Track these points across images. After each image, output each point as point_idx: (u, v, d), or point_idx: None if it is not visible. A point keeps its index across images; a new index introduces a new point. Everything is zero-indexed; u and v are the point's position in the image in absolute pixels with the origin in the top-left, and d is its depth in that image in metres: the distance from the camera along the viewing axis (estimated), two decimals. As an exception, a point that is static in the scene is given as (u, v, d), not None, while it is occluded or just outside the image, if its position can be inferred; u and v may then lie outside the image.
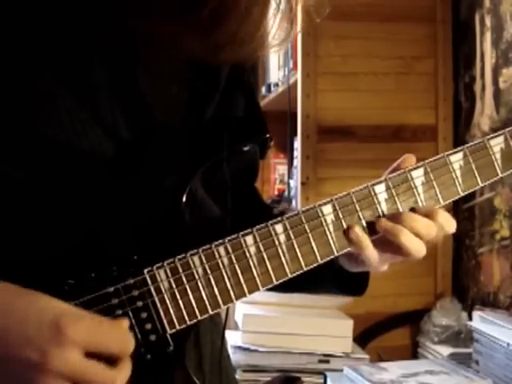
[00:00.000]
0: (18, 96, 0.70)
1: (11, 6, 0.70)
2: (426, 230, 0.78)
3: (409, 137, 1.94)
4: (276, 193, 2.75)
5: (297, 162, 2.06)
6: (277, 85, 2.45)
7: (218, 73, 0.81)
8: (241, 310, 1.75)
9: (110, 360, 0.64)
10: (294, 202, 2.12)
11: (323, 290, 0.93)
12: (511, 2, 1.73)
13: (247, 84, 0.85)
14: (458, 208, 1.91)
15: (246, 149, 0.77)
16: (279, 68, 2.47)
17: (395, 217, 0.78)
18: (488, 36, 1.83)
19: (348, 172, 1.90)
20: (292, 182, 2.26)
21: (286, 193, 2.41)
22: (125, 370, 0.65)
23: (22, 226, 0.69)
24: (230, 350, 1.68)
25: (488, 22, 1.83)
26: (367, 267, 0.82)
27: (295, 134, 2.03)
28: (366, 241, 0.77)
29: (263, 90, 2.65)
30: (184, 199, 0.72)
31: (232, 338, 1.73)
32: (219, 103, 0.80)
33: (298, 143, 1.99)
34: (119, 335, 0.65)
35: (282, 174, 2.77)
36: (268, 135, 0.77)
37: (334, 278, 0.86)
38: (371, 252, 0.78)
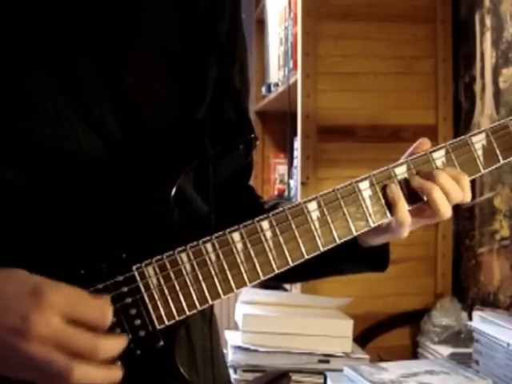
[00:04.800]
0: (6, 95, 0.70)
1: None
2: (455, 191, 0.81)
3: (409, 137, 1.94)
4: (276, 193, 2.75)
5: (297, 162, 2.06)
6: (277, 85, 2.45)
7: (205, 74, 0.82)
8: (241, 310, 1.75)
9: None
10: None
11: (345, 271, 0.95)
12: (511, 1, 1.73)
13: (233, 87, 0.86)
14: (457, 208, 1.91)
15: (230, 149, 0.78)
16: (279, 68, 2.47)
17: (428, 175, 0.81)
18: (488, 36, 1.83)
19: (348, 172, 1.90)
20: (292, 182, 2.26)
21: (286, 193, 2.41)
22: (110, 340, 0.66)
23: (11, 226, 0.70)
24: (230, 350, 1.68)
25: (488, 21, 1.83)
26: (393, 233, 0.83)
27: (295, 134, 2.03)
28: (401, 197, 0.80)
29: (263, 89, 2.65)
30: (172, 197, 0.73)
31: (232, 338, 1.73)
32: (210, 104, 0.81)
33: (297, 143, 1.99)
34: (98, 304, 0.66)
35: (281, 174, 2.77)
36: (253, 135, 0.78)
37: (355, 257, 0.88)
38: (404, 209, 0.80)
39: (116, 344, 0.67)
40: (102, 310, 0.66)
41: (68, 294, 0.65)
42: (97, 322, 0.65)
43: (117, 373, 0.66)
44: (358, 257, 0.87)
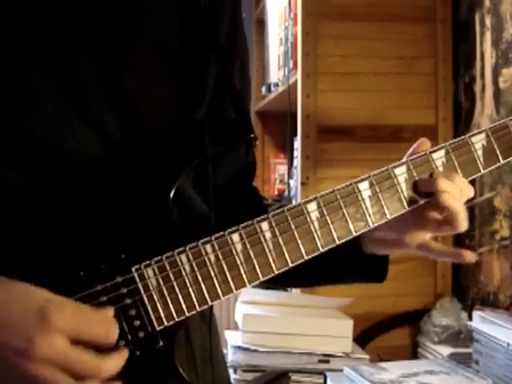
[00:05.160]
0: (6, 95, 0.70)
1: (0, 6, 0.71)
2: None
3: (409, 137, 1.94)
4: (276, 193, 2.76)
5: (297, 162, 2.06)
6: (277, 85, 2.45)
7: (205, 74, 0.82)
8: (241, 310, 1.75)
9: (99, 350, 0.65)
10: (294, 202, 2.12)
11: (346, 280, 0.95)
12: (511, 1, 1.73)
13: (233, 87, 0.86)
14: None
15: (230, 149, 0.78)
16: (279, 68, 2.47)
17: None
18: (488, 36, 1.83)
19: (348, 172, 1.90)
20: (292, 182, 2.26)
21: (286, 193, 2.41)
22: (112, 359, 0.66)
23: (11, 227, 0.70)
24: (230, 350, 1.68)
25: (488, 22, 1.83)
26: (404, 246, 0.83)
27: (295, 134, 2.03)
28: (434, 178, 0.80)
29: (263, 89, 2.65)
30: (171, 198, 0.73)
31: (232, 338, 1.73)
32: (210, 105, 0.81)
33: (297, 143, 1.99)
34: (103, 323, 0.66)
35: (281, 174, 2.77)
36: (252, 135, 0.78)
37: (356, 263, 0.88)
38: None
39: (118, 360, 0.67)
40: (106, 328, 0.66)
41: (73, 313, 0.64)
42: (102, 341, 0.65)
43: None
44: (358, 263, 0.87)
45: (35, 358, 0.62)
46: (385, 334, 1.94)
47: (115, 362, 0.66)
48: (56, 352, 0.62)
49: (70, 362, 0.63)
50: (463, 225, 0.81)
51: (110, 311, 0.67)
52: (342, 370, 1.56)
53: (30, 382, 0.62)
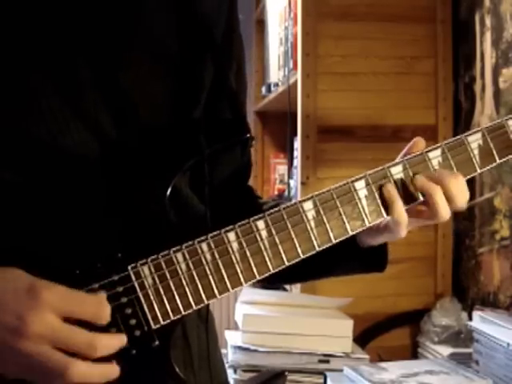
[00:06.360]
0: (4, 95, 0.70)
1: None
2: (462, 196, 0.80)
3: (409, 137, 1.91)
4: (276, 193, 2.75)
5: (297, 162, 2.06)
6: (277, 85, 2.45)
7: (201, 75, 0.82)
8: (241, 309, 1.75)
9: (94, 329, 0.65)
10: (294, 202, 2.12)
11: (344, 271, 0.94)
12: (511, 1, 1.73)
13: (230, 88, 0.86)
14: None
15: (226, 148, 0.78)
16: (279, 68, 2.47)
17: (432, 176, 0.80)
18: (488, 36, 1.82)
19: (348, 172, 1.89)
20: (292, 182, 2.26)
21: (286, 193, 2.41)
22: (107, 337, 0.66)
23: (7, 226, 0.70)
24: (230, 350, 1.68)
25: (488, 21, 1.82)
26: (391, 232, 0.82)
27: (295, 134, 2.03)
28: (397, 196, 0.79)
29: (263, 89, 2.65)
30: (167, 197, 0.73)
31: (232, 338, 1.73)
32: (206, 105, 0.81)
33: (297, 143, 1.99)
34: (95, 302, 0.66)
35: (281, 174, 2.77)
36: (249, 135, 0.79)
37: (354, 257, 0.87)
38: (401, 209, 0.79)
39: (113, 341, 0.67)
40: (98, 306, 0.66)
41: (63, 291, 0.65)
42: (94, 319, 0.65)
43: (114, 370, 0.67)
44: (357, 257, 0.87)
45: (27, 335, 0.62)
46: (385, 334, 1.93)
47: (110, 341, 0.66)
48: (48, 328, 0.62)
49: (63, 338, 0.63)
50: (446, 216, 0.81)
51: (101, 294, 0.67)
52: (342, 370, 1.56)
53: (26, 360, 0.63)
